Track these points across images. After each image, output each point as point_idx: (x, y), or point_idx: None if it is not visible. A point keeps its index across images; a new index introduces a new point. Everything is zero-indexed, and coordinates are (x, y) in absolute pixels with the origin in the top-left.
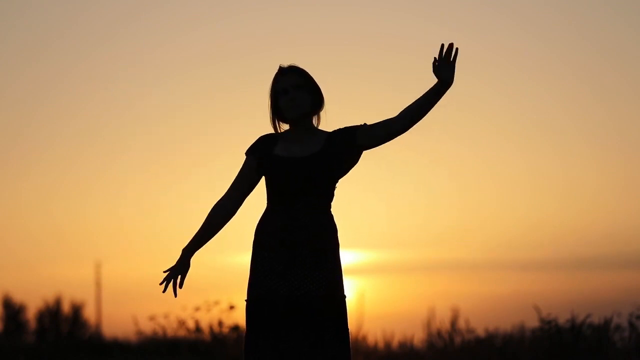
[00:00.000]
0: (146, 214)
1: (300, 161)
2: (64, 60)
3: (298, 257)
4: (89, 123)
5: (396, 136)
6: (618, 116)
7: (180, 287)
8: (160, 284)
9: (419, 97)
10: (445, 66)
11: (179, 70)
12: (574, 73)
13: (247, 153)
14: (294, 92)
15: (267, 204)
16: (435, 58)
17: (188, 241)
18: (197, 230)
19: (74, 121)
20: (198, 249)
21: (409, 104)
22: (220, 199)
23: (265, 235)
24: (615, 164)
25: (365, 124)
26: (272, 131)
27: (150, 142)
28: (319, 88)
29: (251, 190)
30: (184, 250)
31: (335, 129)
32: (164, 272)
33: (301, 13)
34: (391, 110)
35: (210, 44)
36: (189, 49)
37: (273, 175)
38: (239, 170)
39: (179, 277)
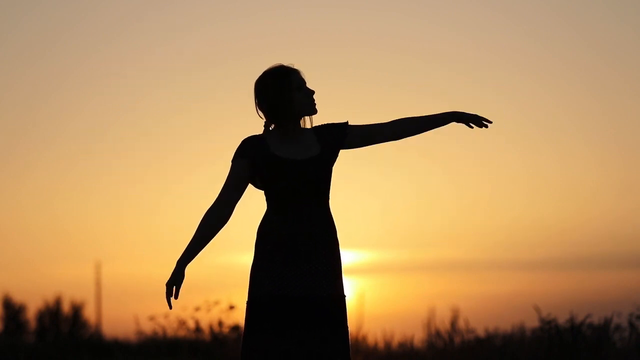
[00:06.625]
0: (146, 214)
1: (301, 163)
2: (65, 60)
3: (301, 258)
4: (90, 123)
5: (380, 142)
6: (617, 116)
7: (176, 297)
8: (168, 301)
9: (422, 115)
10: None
11: (179, 70)
12: (572, 72)
13: (237, 157)
14: None
15: (267, 206)
16: (479, 122)
17: (182, 252)
18: (190, 240)
19: (75, 121)
20: (192, 259)
21: (406, 116)
22: (212, 207)
23: (268, 238)
24: (615, 163)
25: (348, 122)
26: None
27: (150, 142)
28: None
29: (241, 196)
30: (178, 261)
31: (317, 125)
32: (166, 284)
33: (301, 14)
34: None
35: (211, 44)
36: (189, 49)
37: (273, 176)
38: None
39: (174, 288)
